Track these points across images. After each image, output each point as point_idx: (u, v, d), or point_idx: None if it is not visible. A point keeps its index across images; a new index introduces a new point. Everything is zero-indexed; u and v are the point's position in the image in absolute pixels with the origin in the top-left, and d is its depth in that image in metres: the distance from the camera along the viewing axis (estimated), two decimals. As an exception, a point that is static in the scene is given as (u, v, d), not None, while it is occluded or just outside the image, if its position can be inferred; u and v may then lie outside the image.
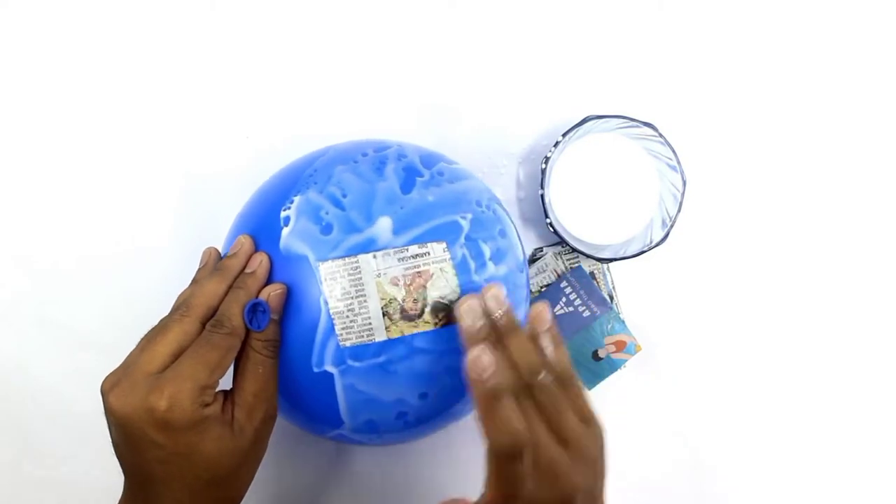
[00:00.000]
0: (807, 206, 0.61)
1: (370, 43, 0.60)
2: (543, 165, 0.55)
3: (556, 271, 0.59)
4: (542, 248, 0.60)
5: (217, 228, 0.52)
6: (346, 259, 0.43)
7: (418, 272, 0.43)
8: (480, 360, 0.40)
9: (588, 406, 0.43)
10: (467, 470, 0.58)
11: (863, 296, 0.61)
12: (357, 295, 0.43)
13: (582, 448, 0.41)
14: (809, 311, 0.61)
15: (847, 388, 0.61)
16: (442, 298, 0.44)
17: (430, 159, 0.48)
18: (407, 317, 0.43)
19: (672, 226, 0.55)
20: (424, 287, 0.43)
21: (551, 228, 0.55)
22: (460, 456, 0.59)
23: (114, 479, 0.45)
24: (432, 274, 0.43)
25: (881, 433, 0.61)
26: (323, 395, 0.44)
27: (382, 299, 0.43)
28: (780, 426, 0.61)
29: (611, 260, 0.56)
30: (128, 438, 0.41)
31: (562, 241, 0.56)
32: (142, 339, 0.44)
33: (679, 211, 0.55)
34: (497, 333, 0.43)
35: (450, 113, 0.60)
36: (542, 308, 0.44)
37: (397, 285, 0.43)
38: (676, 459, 0.61)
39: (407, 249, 0.43)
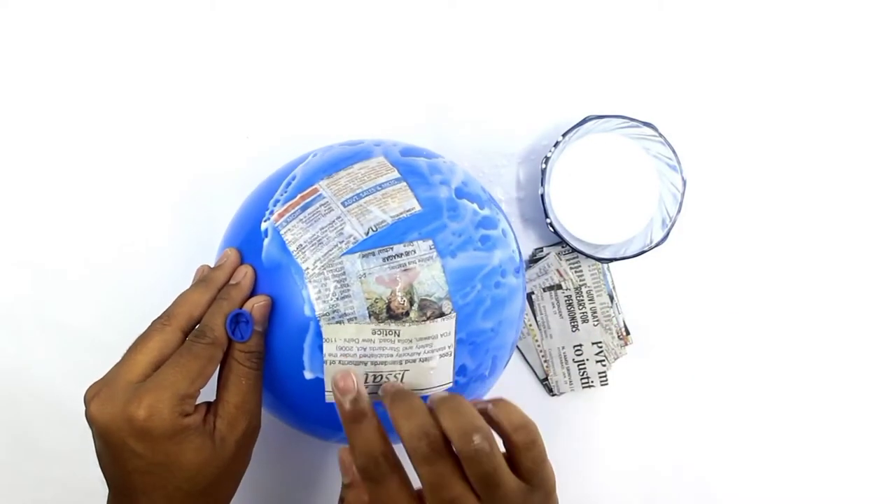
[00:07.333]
0: (807, 206, 0.61)
1: (370, 42, 0.60)
2: (543, 165, 0.55)
3: (559, 272, 0.59)
4: (542, 248, 0.59)
5: (216, 229, 0.52)
6: (330, 262, 0.43)
7: (405, 270, 0.43)
8: (345, 381, 0.38)
9: (537, 461, 0.37)
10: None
11: (862, 295, 0.61)
12: (342, 296, 0.42)
13: None
14: (809, 310, 0.61)
15: (846, 388, 0.61)
16: (429, 296, 0.43)
17: (409, 154, 0.48)
18: (394, 315, 0.42)
19: (672, 226, 0.55)
20: (411, 285, 0.43)
21: (551, 228, 0.55)
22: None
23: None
24: (419, 272, 0.43)
25: (879, 431, 0.61)
26: (319, 401, 0.44)
27: (367, 298, 0.42)
28: (780, 426, 0.61)
29: (611, 260, 0.56)
30: (109, 448, 0.41)
31: (562, 242, 0.56)
32: (127, 350, 0.44)
33: (679, 211, 0.55)
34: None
35: (450, 113, 0.60)
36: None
37: (383, 284, 0.42)
38: (676, 459, 0.61)
39: (392, 248, 0.43)
